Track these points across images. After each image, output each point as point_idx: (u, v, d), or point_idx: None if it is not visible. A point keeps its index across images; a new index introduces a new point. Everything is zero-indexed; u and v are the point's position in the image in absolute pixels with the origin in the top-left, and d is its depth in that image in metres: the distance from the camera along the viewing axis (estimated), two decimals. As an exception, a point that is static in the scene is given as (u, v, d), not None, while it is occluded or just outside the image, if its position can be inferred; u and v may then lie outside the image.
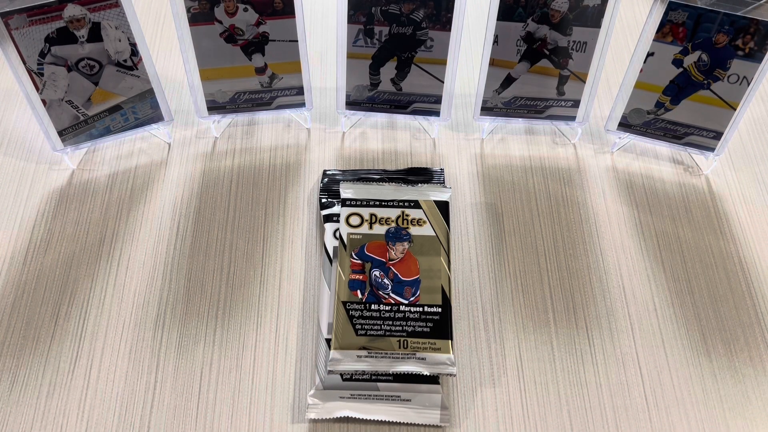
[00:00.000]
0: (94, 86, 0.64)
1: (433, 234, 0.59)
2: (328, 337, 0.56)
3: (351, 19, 0.63)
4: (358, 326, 0.54)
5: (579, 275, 0.62)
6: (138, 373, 0.55)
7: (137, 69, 0.64)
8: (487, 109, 0.69)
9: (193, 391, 0.55)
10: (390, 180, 0.66)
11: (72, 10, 0.59)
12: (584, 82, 0.67)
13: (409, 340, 0.54)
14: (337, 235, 0.60)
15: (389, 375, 0.54)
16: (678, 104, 0.65)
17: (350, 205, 0.61)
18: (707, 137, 0.67)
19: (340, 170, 0.68)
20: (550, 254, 0.63)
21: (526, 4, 0.62)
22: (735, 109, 0.64)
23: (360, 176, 0.67)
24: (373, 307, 0.55)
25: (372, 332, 0.54)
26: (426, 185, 0.63)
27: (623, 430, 0.53)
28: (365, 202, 0.61)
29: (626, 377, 0.56)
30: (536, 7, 0.62)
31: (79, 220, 0.65)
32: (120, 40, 0.62)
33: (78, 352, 0.56)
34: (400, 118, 0.73)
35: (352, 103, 0.70)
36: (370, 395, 0.53)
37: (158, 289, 0.60)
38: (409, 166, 0.69)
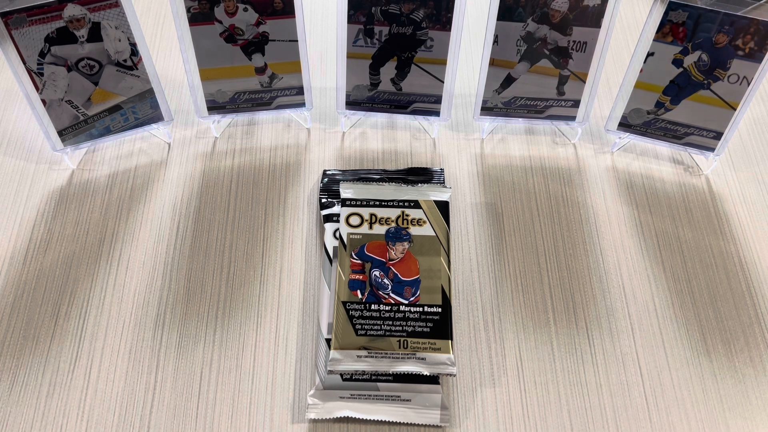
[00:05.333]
0: (94, 86, 0.64)
1: (433, 234, 0.59)
2: (328, 337, 0.56)
3: (351, 19, 0.63)
4: (358, 326, 0.54)
5: (579, 275, 0.62)
6: (138, 373, 0.55)
7: (137, 69, 0.64)
8: (487, 109, 0.69)
9: (193, 391, 0.55)
10: (390, 180, 0.66)
11: (72, 10, 0.59)
12: (584, 82, 0.67)
13: (409, 340, 0.54)
14: (337, 235, 0.60)
15: (389, 375, 0.54)
16: (678, 104, 0.65)
17: (350, 205, 0.61)
18: (707, 137, 0.67)
19: (340, 170, 0.68)
20: (550, 254, 0.63)
21: (526, 4, 0.62)
22: (735, 109, 0.64)
23: (360, 176, 0.67)
24: (373, 307, 0.55)
25: (372, 332, 0.54)
26: (426, 185, 0.63)
27: (623, 430, 0.53)
28: (365, 202, 0.61)
29: (626, 377, 0.56)
30: (536, 7, 0.62)
31: (79, 220, 0.65)
32: (120, 40, 0.62)
33: (78, 352, 0.56)
34: (400, 118, 0.73)
35: (352, 103, 0.70)
36: (370, 395, 0.53)
37: (158, 289, 0.60)
38: (409, 166, 0.69)
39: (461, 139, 0.72)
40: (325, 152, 0.70)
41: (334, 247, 0.60)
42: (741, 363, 0.57)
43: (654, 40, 0.62)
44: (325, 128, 0.73)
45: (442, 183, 0.66)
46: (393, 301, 0.56)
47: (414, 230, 0.59)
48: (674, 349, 0.58)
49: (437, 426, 0.53)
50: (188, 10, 0.62)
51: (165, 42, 0.80)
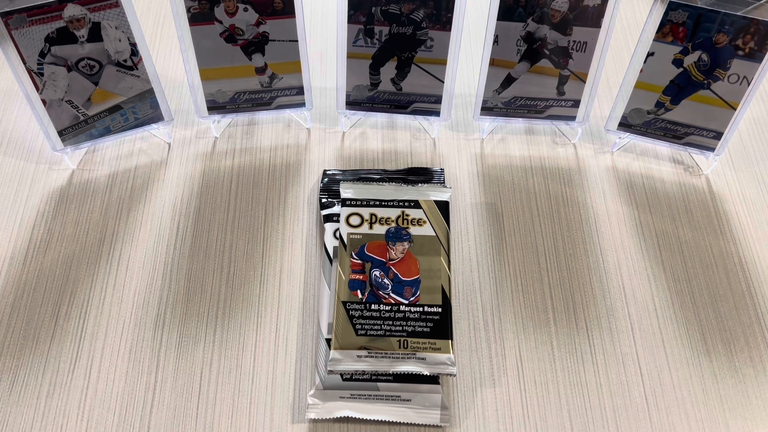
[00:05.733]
0: (94, 86, 0.64)
1: (433, 234, 0.59)
2: (328, 337, 0.56)
3: (351, 19, 0.63)
4: (358, 326, 0.54)
5: (579, 275, 0.62)
6: (138, 373, 0.55)
7: (137, 69, 0.64)
8: (487, 109, 0.69)
9: (193, 391, 0.55)
10: (390, 180, 0.66)
11: (72, 10, 0.59)
12: (584, 82, 0.67)
13: (409, 340, 0.54)
14: (337, 235, 0.60)
15: (389, 375, 0.54)
16: (678, 104, 0.65)
17: (350, 205, 0.61)
18: (707, 137, 0.67)
19: (340, 170, 0.68)
20: (550, 254, 0.63)
21: (526, 4, 0.62)
22: (735, 109, 0.64)
23: (360, 176, 0.67)
24: (373, 307, 0.55)
25: (372, 332, 0.54)
26: (426, 185, 0.63)
27: (623, 430, 0.53)
28: (365, 202, 0.61)
29: (626, 377, 0.56)
30: (536, 7, 0.62)
31: (79, 220, 0.65)
32: (120, 40, 0.62)
33: (78, 352, 0.56)
34: (400, 118, 0.73)
35: (352, 103, 0.70)
36: (370, 395, 0.53)
37: (158, 289, 0.60)
38: (409, 166, 0.69)
39: (461, 139, 0.72)
40: (325, 152, 0.70)
41: (334, 247, 0.60)
42: (741, 363, 0.57)
43: (654, 40, 0.62)
44: (325, 128, 0.73)
45: (442, 183, 0.66)
46: (393, 301, 0.56)
47: (414, 230, 0.59)
48: (674, 349, 0.58)
49: (437, 426, 0.53)
50: (188, 10, 0.62)
51: (165, 42, 0.80)
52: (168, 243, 0.63)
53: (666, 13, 0.60)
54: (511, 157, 0.70)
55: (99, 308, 0.59)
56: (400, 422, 0.53)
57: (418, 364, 0.53)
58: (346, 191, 0.62)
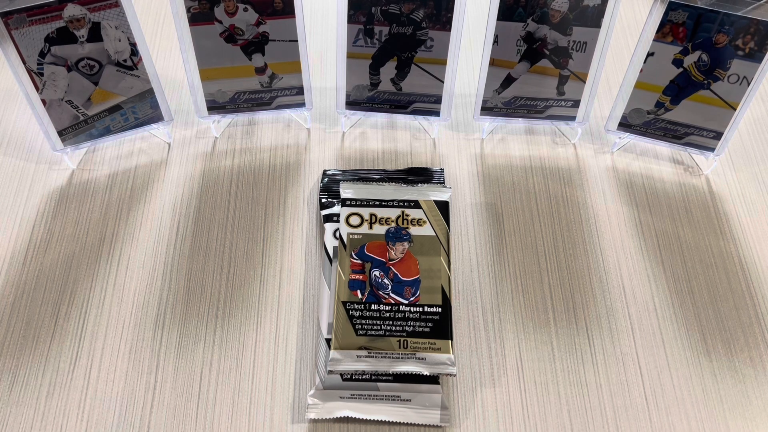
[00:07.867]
0: (94, 86, 0.64)
1: (433, 234, 0.59)
2: (328, 337, 0.56)
3: (351, 19, 0.63)
4: (358, 326, 0.54)
5: (579, 275, 0.62)
6: (138, 373, 0.55)
7: (137, 69, 0.64)
8: (487, 109, 0.69)
9: (193, 391, 0.55)
10: (390, 180, 0.66)
11: (72, 10, 0.59)
12: (584, 82, 0.67)
13: (409, 340, 0.54)
14: (337, 235, 0.60)
15: (389, 375, 0.54)
16: (678, 104, 0.65)
17: (350, 205, 0.61)
18: (707, 137, 0.67)
19: (340, 170, 0.68)
20: (550, 254, 0.63)
21: (527, 4, 0.62)
22: (735, 109, 0.64)
23: (360, 176, 0.67)
24: (373, 307, 0.55)
25: (372, 332, 0.54)
26: (426, 185, 0.63)
27: (623, 430, 0.53)
28: (365, 202, 0.61)
29: (626, 377, 0.56)
30: (536, 7, 0.62)
31: (79, 220, 0.65)
32: (120, 40, 0.62)
33: (78, 352, 0.56)
34: (400, 118, 0.73)
35: (352, 103, 0.70)
36: (370, 395, 0.53)
37: (158, 289, 0.60)
38: (409, 166, 0.69)
39: (461, 139, 0.72)
40: (325, 152, 0.70)
41: (334, 247, 0.60)
42: (741, 363, 0.57)
43: (654, 40, 0.62)
44: (325, 128, 0.73)
45: (442, 183, 0.66)
46: (393, 301, 0.56)
47: (414, 230, 0.59)
48: (674, 349, 0.58)
49: (437, 426, 0.53)
50: (188, 10, 0.62)
51: (165, 42, 0.80)
52: (168, 243, 0.63)
53: (666, 13, 0.60)
54: (511, 157, 0.70)
55: (99, 308, 0.59)
56: (400, 422, 0.53)
57: (418, 364, 0.53)
58: (346, 191, 0.62)
